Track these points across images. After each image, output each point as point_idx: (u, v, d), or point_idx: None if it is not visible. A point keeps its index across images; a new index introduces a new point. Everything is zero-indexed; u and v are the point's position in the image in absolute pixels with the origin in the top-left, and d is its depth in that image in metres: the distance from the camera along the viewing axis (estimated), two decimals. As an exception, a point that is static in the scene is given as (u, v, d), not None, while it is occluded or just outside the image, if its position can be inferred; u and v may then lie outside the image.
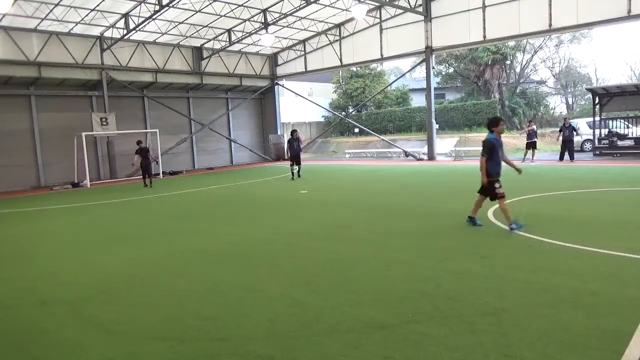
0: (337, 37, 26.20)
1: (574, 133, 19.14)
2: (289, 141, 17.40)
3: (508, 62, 34.15)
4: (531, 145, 19.10)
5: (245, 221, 9.75)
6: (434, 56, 24.92)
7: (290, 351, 3.74)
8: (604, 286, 4.74)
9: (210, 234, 8.58)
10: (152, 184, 18.09)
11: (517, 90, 35.81)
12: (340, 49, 26.21)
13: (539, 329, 3.85)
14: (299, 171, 17.46)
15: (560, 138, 19.24)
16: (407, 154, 24.97)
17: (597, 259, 5.68)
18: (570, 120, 19.90)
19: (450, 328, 3.98)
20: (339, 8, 22.70)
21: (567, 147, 18.86)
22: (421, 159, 23.34)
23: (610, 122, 21.54)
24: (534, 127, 19.45)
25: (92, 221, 10.96)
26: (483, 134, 30.19)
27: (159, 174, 22.41)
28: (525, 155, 19.34)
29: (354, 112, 35.64)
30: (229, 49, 25.56)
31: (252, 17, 22.07)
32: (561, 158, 18.94)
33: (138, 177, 20.07)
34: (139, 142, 18.19)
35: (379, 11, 24.10)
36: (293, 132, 17.51)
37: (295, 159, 17.16)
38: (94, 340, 4.20)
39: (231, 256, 6.93)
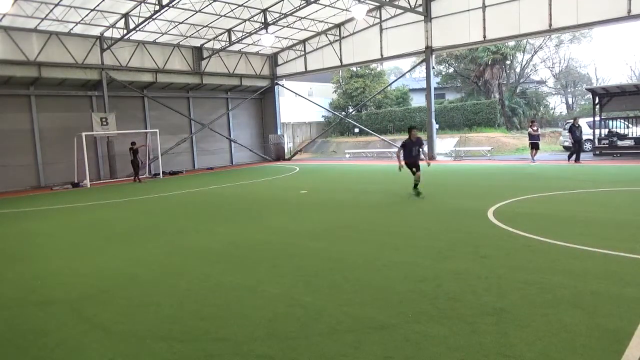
0: (337, 37, 26.19)
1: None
2: (404, 144, 11.75)
3: (508, 62, 34.11)
4: (534, 146, 19.24)
5: (246, 221, 9.75)
6: (434, 56, 24.91)
7: (290, 351, 3.74)
8: (604, 286, 4.74)
9: (210, 234, 8.58)
10: (139, 179, 20.27)
11: (517, 90, 35.78)
12: (340, 49, 26.21)
13: (539, 329, 3.85)
14: (417, 180, 12.02)
15: (571, 139, 18.79)
16: (407, 154, 24.84)
17: (597, 259, 5.67)
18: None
19: (450, 328, 3.97)
20: (339, 8, 22.70)
21: (579, 147, 18.38)
22: (421, 159, 23.28)
23: (610, 122, 21.54)
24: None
25: (92, 221, 10.95)
26: (483, 134, 30.00)
27: (159, 174, 22.45)
28: (531, 154, 19.35)
29: (354, 112, 35.63)
30: (229, 49, 25.56)
31: (252, 17, 22.07)
32: (570, 158, 18.51)
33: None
34: (132, 143, 20.19)
35: (379, 11, 24.10)
36: (411, 129, 11.88)
37: (415, 166, 12.01)
38: (94, 340, 4.20)
39: (231, 256, 6.93)
